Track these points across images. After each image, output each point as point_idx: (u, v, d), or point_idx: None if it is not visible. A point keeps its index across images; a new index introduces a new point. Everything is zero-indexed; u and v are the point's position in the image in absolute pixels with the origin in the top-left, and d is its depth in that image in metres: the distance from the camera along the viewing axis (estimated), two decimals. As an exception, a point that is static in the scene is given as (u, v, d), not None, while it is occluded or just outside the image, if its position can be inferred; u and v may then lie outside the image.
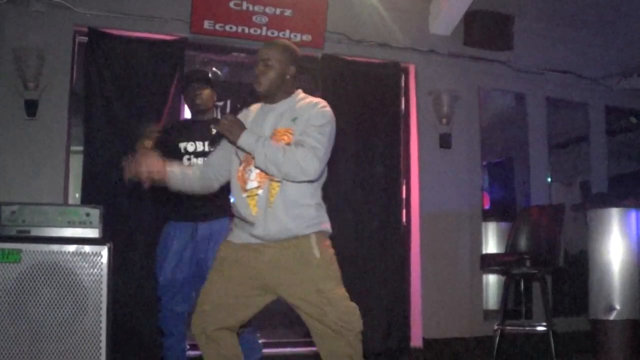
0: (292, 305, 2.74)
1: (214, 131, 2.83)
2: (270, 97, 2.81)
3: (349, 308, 2.71)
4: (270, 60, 2.75)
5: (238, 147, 2.68)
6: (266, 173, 2.66)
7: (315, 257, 2.70)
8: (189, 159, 3.79)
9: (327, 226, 2.83)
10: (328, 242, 2.81)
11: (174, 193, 3.46)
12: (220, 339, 2.72)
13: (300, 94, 2.87)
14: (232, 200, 2.87)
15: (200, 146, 3.79)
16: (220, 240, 3.10)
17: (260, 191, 2.70)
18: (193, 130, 3.86)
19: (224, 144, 2.84)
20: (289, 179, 2.64)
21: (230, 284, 2.71)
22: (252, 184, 2.72)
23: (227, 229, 3.37)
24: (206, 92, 3.91)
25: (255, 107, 2.91)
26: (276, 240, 2.68)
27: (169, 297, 3.82)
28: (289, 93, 2.82)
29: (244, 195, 2.73)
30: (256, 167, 2.68)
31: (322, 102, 2.81)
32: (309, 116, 2.72)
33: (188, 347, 3.94)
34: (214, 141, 2.80)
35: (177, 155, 3.71)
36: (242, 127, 2.66)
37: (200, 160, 3.71)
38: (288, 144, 2.68)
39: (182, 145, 3.81)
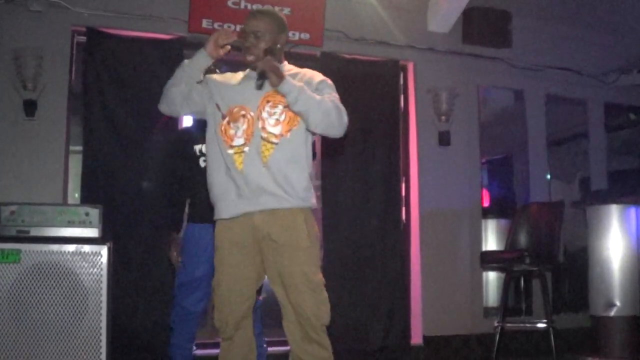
0: (273, 288, 2.74)
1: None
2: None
3: (324, 299, 2.72)
4: (260, 31, 2.73)
5: (279, 89, 2.60)
6: (262, 128, 2.67)
7: (304, 237, 2.67)
8: (205, 161, 3.82)
9: (314, 201, 2.79)
10: (314, 219, 2.78)
11: (197, 196, 3.67)
12: (243, 335, 2.76)
13: (287, 65, 2.87)
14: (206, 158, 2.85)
15: None
16: None
17: (246, 148, 2.68)
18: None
19: (207, 87, 2.82)
20: (325, 129, 2.66)
21: (234, 270, 2.72)
22: (238, 140, 2.70)
23: None
24: None
25: (240, 73, 2.88)
26: (264, 207, 2.66)
27: (184, 295, 3.85)
28: (279, 62, 2.76)
29: (230, 151, 2.71)
30: (295, 112, 2.64)
31: (315, 72, 2.85)
32: (316, 84, 2.75)
33: (195, 347, 3.95)
34: (260, 79, 2.65)
35: (192, 157, 3.82)
36: (282, 70, 2.64)
37: None
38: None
39: (197, 147, 3.87)
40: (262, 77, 2.61)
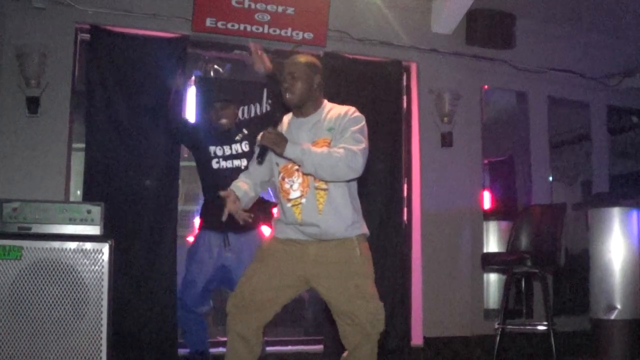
0: (327, 300, 2.93)
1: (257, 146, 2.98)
2: (301, 109, 2.99)
3: (378, 307, 2.88)
4: (296, 72, 2.95)
5: (284, 158, 2.85)
6: (315, 179, 2.87)
7: (357, 256, 2.92)
8: (218, 162, 4.14)
9: (366, 229, 3.06)
10: (366, 244, 3.03)
11: (209, 204, 4.00)
12: (249, 329, 2.90)
13: (327, 104, 3.05)
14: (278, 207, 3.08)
15: (227, 150, 4.14)
16: (247, 251, 3.66)
17: (303, 200, 2.91)
18: (221, 135, 4.18)
19: (267, 162, 3.02)
20: (338, 179, 2.88)
21: (271, 272, 2.92)
22: (294, 193, 2.94)
23: (256, 240, 3.87)
24: (229, 111, 4.23)
25: (286, 119, 3.10)
26: (323, 240, 2.91)
27: (189, 297, 4.10)
28: (318, 104, 3.03)
29: (289, 205, 2.94)
30: (305, 174, 2.88)
31: (352, 108, 3.01)
32: (345, 124, 2.93)
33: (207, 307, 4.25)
34: (261, 155, 2.90)
35: (207, 157, 4.14)
36: (285, 138, 2.82)
37: (228, 163, 4.09)
38: None
39: (211, 148, 4.14)
40: (263, 151, 2.88)
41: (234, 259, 4.02)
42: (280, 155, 2.83)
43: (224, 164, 4.12)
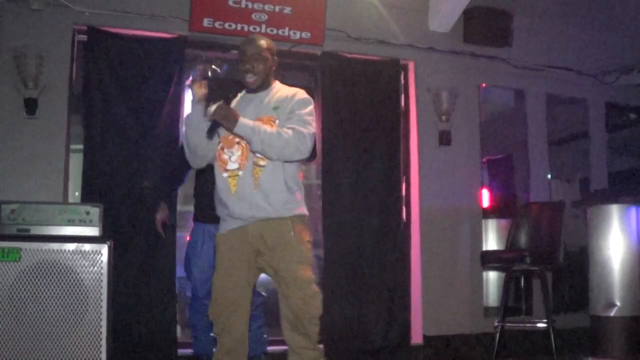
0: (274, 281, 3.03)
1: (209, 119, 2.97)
2: (255, 88, 3.05)
3: (309, 292, 2.94)
4: (258, 55, 3.03)
5: (234, 134, 2.89)
6: (255, 154, 2.91)
7: (291, 237, 2.94)
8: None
9: (303, 210, 3.05)
10: (303, 226, 3.03)
11: (203, 193, 3.97)
12: (232, 326, 2.98)
13: (278, 84, 3.13)
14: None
15: None
16: None
17: (240, 172, 2.95)
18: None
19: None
20: (285, 159, 2.92)
21: (230, 271, 2.98)
22: (232, 165, 2.98)
23: None
24: None
25: (238, 97, 3.14)
26: (256, 218, 2.94)
27: (204, 292, 4.01)
28: (269, 83, 3.10)
29: (225, 175, 2.99)
30: (253, 152, 2.91)
31: (301, 91, 3.08)
32: (292, 105, 2.98)
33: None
34: (212, 130, 2.93)
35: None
36: (236, 115, 2.86)
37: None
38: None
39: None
40: (214, 126, 2.91)
41: None
42: (230, 131, 2.87)
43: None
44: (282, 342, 3.08)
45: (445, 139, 5.53)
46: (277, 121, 2.95)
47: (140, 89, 4.71)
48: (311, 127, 2.95)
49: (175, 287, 4.70)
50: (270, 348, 4.42)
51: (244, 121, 2.85)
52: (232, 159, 2.98)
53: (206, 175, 4.00)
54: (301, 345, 2.93)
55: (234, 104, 3.06)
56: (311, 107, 3.02)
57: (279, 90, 3.09)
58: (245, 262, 2.99)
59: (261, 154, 2.89)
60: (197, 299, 4.13)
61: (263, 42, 3.09)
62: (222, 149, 3.01)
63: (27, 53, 4.38)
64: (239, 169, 2.95)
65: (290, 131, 2.87)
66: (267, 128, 2.87)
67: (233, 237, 3.00)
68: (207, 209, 3.83)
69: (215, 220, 3.87)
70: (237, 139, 2.96)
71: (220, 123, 2.88)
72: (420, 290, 5.40)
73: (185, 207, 6.14)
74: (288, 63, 5.24)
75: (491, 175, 7.69)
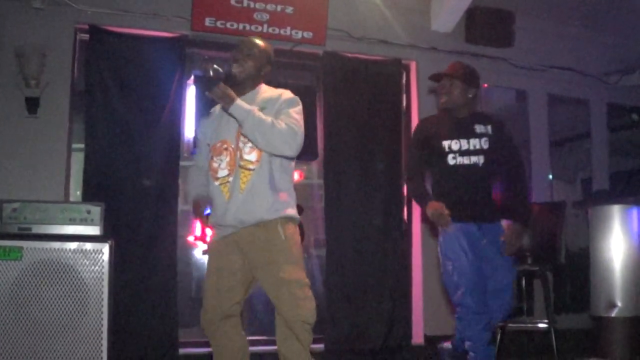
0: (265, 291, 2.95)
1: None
2: (240, 85, 3.01)
3: (301, 295, 2.87)
4: (252, 52, 3.04)
5: (229, 114, 2.86)
6: (241, 157, 2.90)
7: (281, 239, 2.89)
8: None
9: (293, 212, 3.00)
10: (293, 227, 2.98)
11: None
12: (225, 332, 2.97)
13: (264, 86, 3.11)
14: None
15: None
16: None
17: (231, 178, 2.93)
18: None
19: (203, 146, 3.11)
20: (273, 150, 2.87)
21: (220, 277, 2.96)
22: (222, 172, 2.96)
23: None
24: None
25: (217, 107, 3.14)
26: (247, 225, 2.90)
27: (474, 301, 3.80)
28: (255, 85, 3.08)
29: (217, 183, 2.97)
30: (243, 135, 2.89)
31: (287, 91, 3.06)
32: (280, 103, 2.96)
33: None
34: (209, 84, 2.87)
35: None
36: (233, 97, 2.84)
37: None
38: None
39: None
40: (210, 103, 2.95)
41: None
42: (226, 110, 2.87)
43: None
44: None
45: (446, 139, 5.51)
46: None
47: (142, 88, 4.71)
48: (301, 126, 2.93)
49: (176, 287, 4.69)
50: (269, 348, 4.42)
51: (240, 103, 2.84)
52: (221, 166, 2.96)
53: None
54: (294, 349, 2.88)
55: (216, 115, 3.09)
56: (300, 107, 2.99)
57: (266, 91, 3.09)
58: (235, 272, 2.96)
59: (251, 138, 2.85)
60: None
61: (260, 43, 3.10)
62: (212, 157, 3.01)
63: (28, 52, 4.39)
64: (229, 175, 2.94)
65: (284, 125, 2.85)
66: (263, 115, 2.85)
67: (225, 244, 2.98)
68: None
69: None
70: (225, 145, 2.96)
71: (217, 101, 2.89)
72: (422, 290, 5.39)
73: (186, 206, 6.14)
74: (290, 63, 5.24)
75: (492, 175, 7.67)
